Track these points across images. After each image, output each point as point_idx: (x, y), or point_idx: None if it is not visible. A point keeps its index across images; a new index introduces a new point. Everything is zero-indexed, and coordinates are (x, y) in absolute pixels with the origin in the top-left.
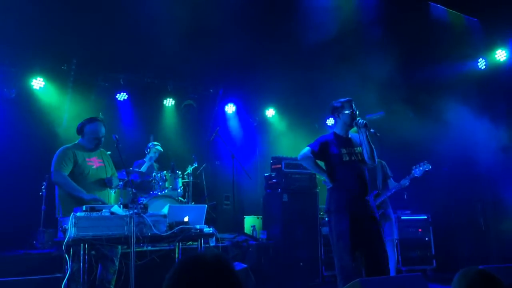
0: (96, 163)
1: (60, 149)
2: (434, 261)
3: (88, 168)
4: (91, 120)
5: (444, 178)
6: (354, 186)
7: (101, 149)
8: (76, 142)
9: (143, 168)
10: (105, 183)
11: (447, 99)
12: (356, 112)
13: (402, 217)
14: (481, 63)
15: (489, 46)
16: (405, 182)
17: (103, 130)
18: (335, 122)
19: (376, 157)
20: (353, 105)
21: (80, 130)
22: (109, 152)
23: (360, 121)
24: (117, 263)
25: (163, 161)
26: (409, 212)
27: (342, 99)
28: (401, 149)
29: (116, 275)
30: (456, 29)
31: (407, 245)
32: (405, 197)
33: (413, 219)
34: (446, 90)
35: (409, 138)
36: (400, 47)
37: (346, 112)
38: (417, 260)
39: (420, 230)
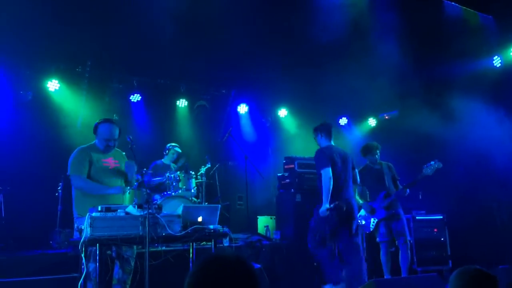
0: (112, 164)
1: (76, 150)
2: (450, 261)
3: (104, 168)
4: (104, 121)
5: (459, 178)
6: None
7: (117, 149)
8: (92, 142)
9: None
10: (124, 182)
11: (463, 97)
12: None
13: (417, 217)
14: (497, 61)
15: (504, 43)
16: (406, 191)
17: (116, 132)
18: None
19: None
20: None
21: (94, 130)
22: (124, 153)
23: None
24: (132, 263)
25: (176, 162)
26: (424, 212)
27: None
28: (416, 148)
29: (131, 275)
30: (470, 26)
31: (422, 245)
32: (420, 197)
33: (429, 219)
34: (462, 89)
35: (424, 137)
36: (414, 45)
37: None
38: (432, 261)
39: (435, 230)
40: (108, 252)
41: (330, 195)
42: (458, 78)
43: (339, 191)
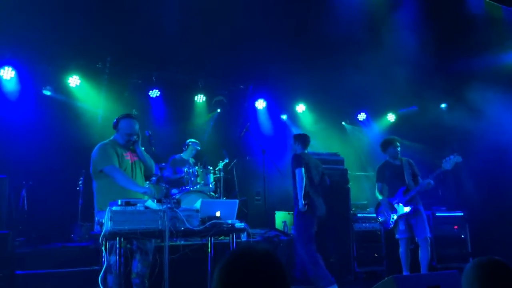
0: (132, 158)
1: (100, 146)
2: (471, 258)
3: (125, 162)
4: (125, 116)
5: (480, 174)
6: None
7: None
8: (111, 138)
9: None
10: (143, 176)
11: (484, 92)
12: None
13: (437, 214)
14: None
15: None
16: (429, 181)
17: (136, 127)
18: None
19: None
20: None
21: (115, 125)
22: (143, 148)
23: None
24: (151, 257)
25: (195, 157)
26: (444, 208)
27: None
28: (435, 143)
29: (150, 269)
30: (493, 19)
31: (442, 242)
32: (440, 194)
33: (449, 216)
34: (483, 83)
35: (444, 132)
36: (435, 39)
37: None
38: (453, 258)
39: (456, 227)
40: (128, 245)
41: (303, 192)
42: (479, 72)
43: (311, 191)
